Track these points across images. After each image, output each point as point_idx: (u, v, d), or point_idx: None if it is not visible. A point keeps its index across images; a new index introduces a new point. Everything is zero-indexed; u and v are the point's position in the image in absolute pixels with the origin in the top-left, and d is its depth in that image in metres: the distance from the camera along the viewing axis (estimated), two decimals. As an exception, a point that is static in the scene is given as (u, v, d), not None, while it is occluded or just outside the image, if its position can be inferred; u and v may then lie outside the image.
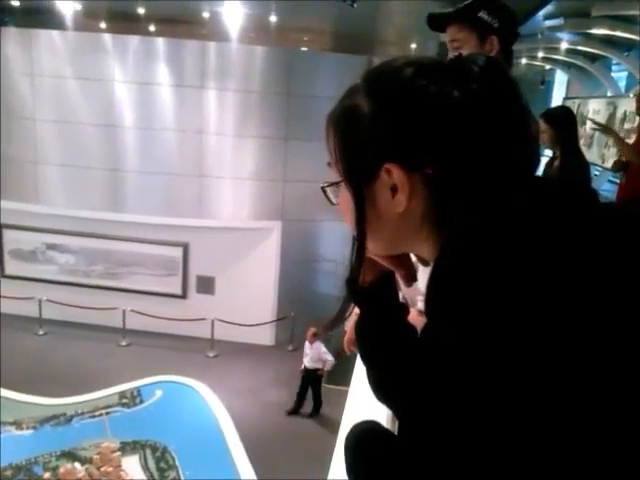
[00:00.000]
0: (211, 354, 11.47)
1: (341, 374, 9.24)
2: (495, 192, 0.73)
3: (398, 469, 0.81)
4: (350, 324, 1.54)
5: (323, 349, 9.17)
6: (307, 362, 9.17)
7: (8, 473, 6.51)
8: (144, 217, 12.24)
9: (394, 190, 0.76)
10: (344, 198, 0.84)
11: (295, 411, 9.07)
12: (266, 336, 12.19)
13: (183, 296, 12.60)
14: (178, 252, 12.43)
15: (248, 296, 12.11)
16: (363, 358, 1.03)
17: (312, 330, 9.13)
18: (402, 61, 0.79)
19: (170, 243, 12.42)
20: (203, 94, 11.72)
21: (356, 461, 0.97)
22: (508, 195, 0.73)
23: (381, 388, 0.99)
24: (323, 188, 0.90)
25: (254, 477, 6.49)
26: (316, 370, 9.16)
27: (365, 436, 0.99)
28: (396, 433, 0.81)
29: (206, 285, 12.50)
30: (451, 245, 0.72)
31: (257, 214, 12.11)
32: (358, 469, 0.96)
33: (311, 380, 9.20)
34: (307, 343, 9.26)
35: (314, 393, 9.23)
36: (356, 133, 0.79)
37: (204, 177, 12.10)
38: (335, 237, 11.93)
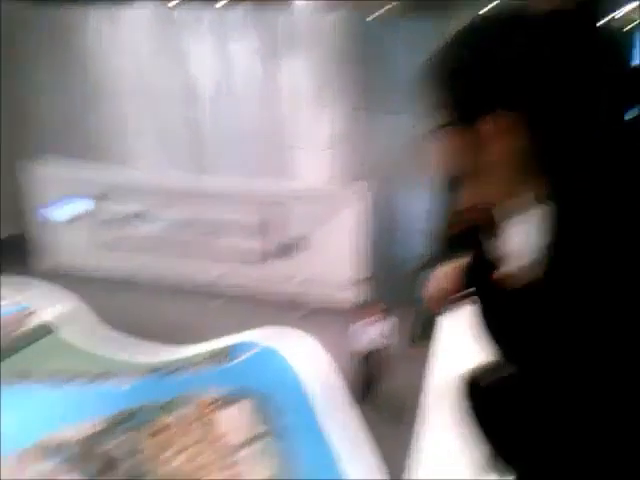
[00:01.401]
0: (299, 314, 11.76)
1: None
2: (595, 138, 0.74)
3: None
4: (438, 281, 1.57)
5: (389, 327, 8.59)
6: (369, 341, 8.51)
7: (117, 420, 7.04)
8: (230, 182, 12.62)
9: (499, 135, 0.78)
10: (447, 144, 0.86)
11: (364, 396, 8.35)
12: (352, 297, 12.34)
13: (270, 258, 12.93)
14: (263, 215, 12.72)
15: (334, 257, 12.27)
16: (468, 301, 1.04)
17: (377, 306, 8.75)
18: (502, 14, 0.80)
19: (256, 207, 12.72)
20: (282, 59, 11.79)
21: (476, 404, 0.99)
22: (608, 141, 0.74)
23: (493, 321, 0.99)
24: (424, 135, 0.92)
25: (347, 425, 6.71)
26: (378, 351, 8.53)
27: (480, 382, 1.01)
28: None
29: (291, 247, 12.75)
30: (572, 190, 0.72)
31: (342, 177, 12.15)
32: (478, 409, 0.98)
33: (372, 361, 8.54)
34: (369, 320, 8.57)
35: (374, 375, 8.55)
36: (463, 79, 0.81)
37: (288, 142, 12.25)
38: (418, 203, 11.83)
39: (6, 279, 11.44)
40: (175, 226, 13.34)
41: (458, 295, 1.34)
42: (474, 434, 0.98)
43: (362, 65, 11.32)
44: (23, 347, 9.04)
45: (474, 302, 1.07)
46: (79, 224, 13.95)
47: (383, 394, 8.60)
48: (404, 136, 11.07)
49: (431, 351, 2.64)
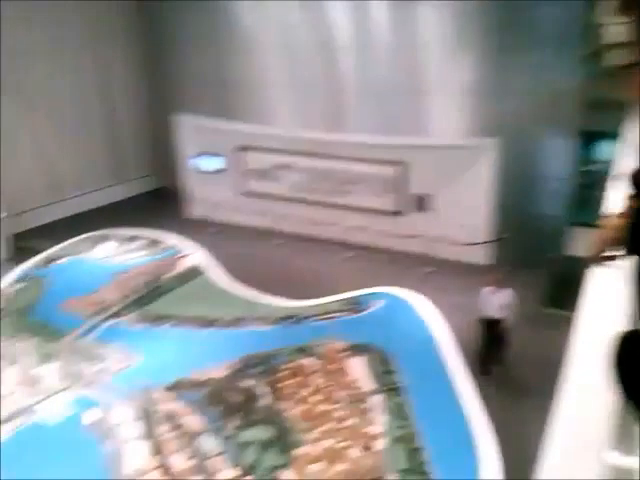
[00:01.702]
0: (426, 270, 11.77)
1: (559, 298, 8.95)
2: None
3: None
4: (606, 232, 1.57)
5: (512, 296, 8.25)
6: (491, 310, 8.26)
7: (255, 360, 7.60)
8: (363, 136, 12.69)
9: None
10: None
11: (488, 371, 8.15)
12: (480, 255, 12.11)
13: (400, 213, 12.96)
14: (395, 170, 12.71)
15: (463, 214, 12.07)
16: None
17: (499, 274, 8.44)
18: None
19: (388, 161, 12.74)
20: (416, 7, 11.50)
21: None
22: None
23: None
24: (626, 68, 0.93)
25: (470, 389, 6.72)
26: (500, 321, 8.26)
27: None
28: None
29: (422, 203, 12.68)
30: None
31: (474, 131, 11.80)
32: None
33: (496, 333, 8.31)
34: (490, 288, 8.29)
35: (498, 348, 8.35)
36: None
37: (420, 93, 12.05)
38: (557, 154, 11.23)
39: (159, 226, 12.46)
40: (313, 178, 13.71)
41: (619, 248, 1.34)
42: (625, 390, 1.03)
43: (500, 11, 10.80)
44: (176, 287, 9.92)
45: (632, 258, 1.10)
46: (224, 175, 14.77)
47: (505, 363, 8.50)
48: (542, 88, 10.51)
49: (577, 311, 2.59)
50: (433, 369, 7.21)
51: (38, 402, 6.89)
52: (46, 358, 7.79)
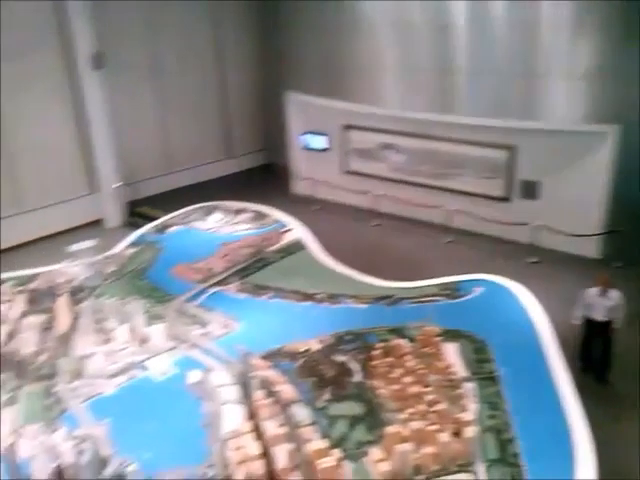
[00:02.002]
0: (530, 260, 11.40)
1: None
2: None
3: None
4: None
5: (620, 297, 7.94)
6: (596, 313, 8.08)
7: (348, 337, 7.73)
8: (471, 119, 12.37)
9: None
10: None
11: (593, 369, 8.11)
12: (590, 248, 11.55)
13: (506, 199, 12.58)
14: (504, 154, 12.33)
15: (574, 204, 11.53)
16: None
17: (607, 274, 8.11)
18: None
19: (496, 145, 12.37)
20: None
21: None
22: None
23: None
24: None
25: (569, 385, 6.49)
26: (605, 324, 8.01)
27: None
28: None
29: (530, 190, 12.23)
30: None
31: (591, 117, 11.18)
32: None
33: (600, 336, 8.11)
34: (597, 289, 8.03)
35: (604, 353, 8.16)
36: None
37: (535, 76, 11.55)
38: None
39: (265, 201, 12.85)
40: (417, 160, 13.58)
41: None
42: None
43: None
44: (278, 260, 10.24)
45: None
46: (329, 153, 14.95)
47: (608, 367, 8.20)
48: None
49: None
50: (531, 361, 7.01)
51: (146, 359, 7.40)
52: (154, 319, 8.33)
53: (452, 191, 13.14)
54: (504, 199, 12.57)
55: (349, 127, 14.38)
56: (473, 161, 12.79)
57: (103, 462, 5.46)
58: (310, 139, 15.20)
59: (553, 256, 11.52)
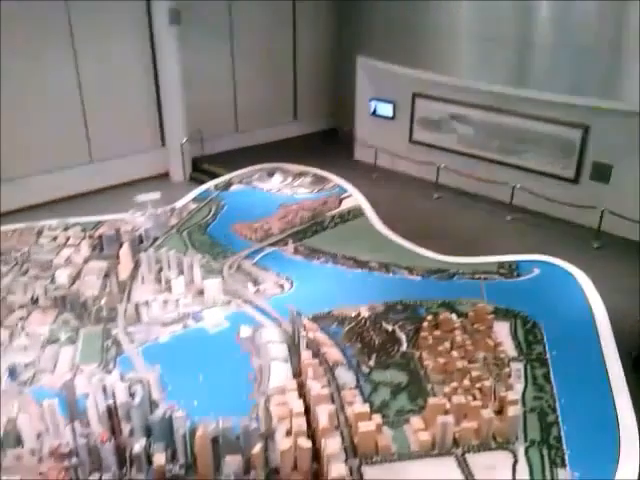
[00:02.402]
0: (595, 245, 11.02)
1: None
2: None
3: None
4: None
5: None
6: None
7: (398, 307, 7.75)
8: (547, 94, 11.90)
9: None
10: None
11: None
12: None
13: (575, 181, 12.12)
14: (577, 134, 11.84)
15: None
16: None
17: None
18: None
19: (570, 124, 11.88)
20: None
21: None
22: None
23: None
24: None
25: (620, 376, 6.33)
26: None
27: None
28: None
29: (601, 173, 11.72)
30: None
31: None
32: None
33: None
34: None
35: None
36: None
37: (619, 52, 10.95)
38: None
39: (327, 165, 12.87)
40: (486, 134, 13.23)
41: None
42: None
43: None
44: (335, 225, 10.29)
45: None
46: (395, 121, 14.74)
47: None
48: None
49: None
50: (583, 347, 6.88)
51: (201, 311, 7.65)
52: (211, 273, 8.56)
53: (519, 168, 12.74)
54: (572, 180, 12.11)
55: (418, 96, 14.09)
56: (544, 139, 12.32)
57: (153, 405, 5.73)
58: (377, 106, 15.01)
59: (619, 243, 11.07)
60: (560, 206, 11.81)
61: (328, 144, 16.43)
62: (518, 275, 8.59)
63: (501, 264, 8.83)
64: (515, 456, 5.32)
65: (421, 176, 14.05)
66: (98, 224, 10.18)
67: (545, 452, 5.37)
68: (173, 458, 5.12)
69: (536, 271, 8.63)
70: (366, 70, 14.96)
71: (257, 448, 5.04)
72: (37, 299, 7.88)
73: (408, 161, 14.29)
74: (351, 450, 5.38)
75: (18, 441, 5.34)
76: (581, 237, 11.21)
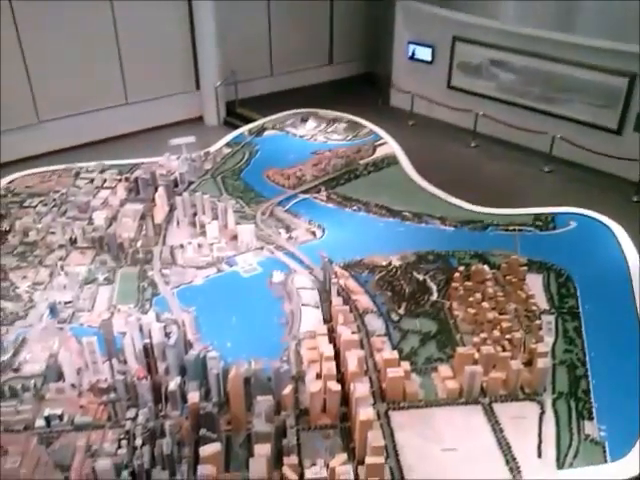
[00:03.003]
0: (635, 198, 10.76)
1: None
2: None
3: None
4: None
5: None
6: None
7: (430, 257, 7.73)
8: (594, 40, 11.41)
9: None
10: None
11: None
12: None
13: (618, 132, 11.74)
14: (623, 83, 11.39)
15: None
16: None
17: None
18: None
19: (615, 71, 11.42)
20: None
21: None
22: None
23: None
24: None
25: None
26: None
27: None
28: None
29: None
30: None
31: None
32: None
33: None
34: None
35: None
36: None
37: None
38: None
39: (361, 111, 12.66)
40: (527, 80, 12.81)
41: None
42: None
43: None
44: (369, 173, 10.20)
45: None
46: (432, 66, 14.36)
47: None
48: None
49: None
50: (616, 303, 6.79)
51: (234, 256, 7.75)
52: (244, 219, 8.63)
53: (560, 117, 12.38)
54: (615, 131, 11.73)
55: (458, 39, 13.64)
56: (588, 87, 11.89)
57: (188, 345, 5.90)
58: (416, 49, 14.60)
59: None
60: (600, 158, 11.50)
61: (363, 89, 16.13)
62: (554, 228, 8.45)
63: (537, 216, 8.68)
64: (542, 407, 5.37)
65: (458, 124, 13.77)
66: (134, 167, 10.27)
67: (573, 404, 5.40)
68: (207, 396, 5.30)
69: (572, 224, 8.47)
70: (405, 12, 14.51)
71: (288, 390, 5.18)
72: (75, 240, 8.08)
73: (446, 108, 13.98)
74: (379, 395, 5.50)
75: (59, 376, 5.59)
76: (621, 190, 10.96)
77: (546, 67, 12.39)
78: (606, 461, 4.84)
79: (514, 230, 8.40)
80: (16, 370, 5.77)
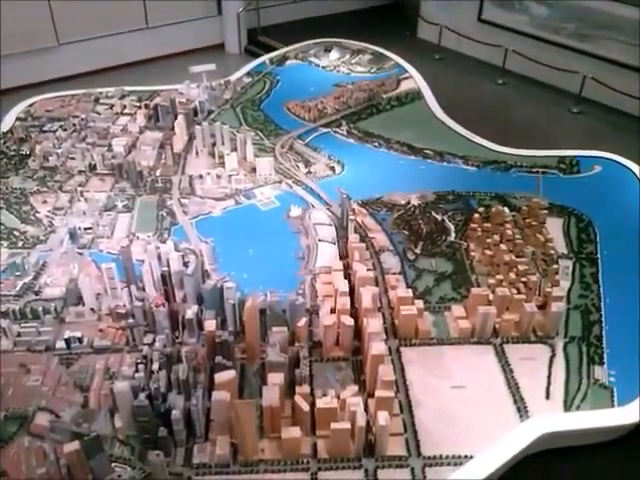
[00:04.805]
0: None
1: None
2: None
3: None
4: None
5: None
6: None
7: (450, 197, 7.65)
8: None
9: None
10: None
11: None
12: None
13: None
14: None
15: None
16: None
17: None
18: None
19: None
20: None
21: None
22: None
23: None
24: None
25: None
26: None
27: None
28: None
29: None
30: None
31: None
32: None
33: None
34: None
35: None
36: None
37: None
38: None
39: (387, 43, 12.28)
40: (561, 16, 12.25)
41: None
42: None
43: None
44: (392, 108, 9.98)
45: None
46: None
47: None
48: None
49: None
50: (637, 250, 6.70)
51: (252, 188, 7.73)
52: (263, 151, 8.55)
53: (593, 56, 11.88)
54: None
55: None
56: (623, 23, 11.34)
57: (205, 275, 5.98)
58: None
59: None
60: (631, 101, 11.10)
61: (390, 20, 15.56)
62: (578, 171, 8.29)
63: (561, 159, 8.50)
64: (553, 350, 5.41)
65: (487, 60, 13.31)
66: (153, 94, 10.14)
67: (584, 349, 5.43)
68: (223, 326, 5.40)
69: (597, 168, 8.29)
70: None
71: (302, 322, 5.26)
72: (95, 166, 8.09)
73: (475, 42, 13.48)
74: (391, 332, 5.57)
75: (79, 300, 5.72)
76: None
77: (583, 2, 11.81)
78: (613, 405, 4.91)
79: (537, 172, 8.25)
80: (37, 293, 5.91)
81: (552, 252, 6.61)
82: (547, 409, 4.85)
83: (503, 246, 6.52)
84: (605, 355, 5.37)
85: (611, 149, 8.63)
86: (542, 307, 5.73)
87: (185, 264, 5.88)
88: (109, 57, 13.03)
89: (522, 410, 4.83)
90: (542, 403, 4.92)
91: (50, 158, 8.22)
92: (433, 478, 4.30)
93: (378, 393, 4.56)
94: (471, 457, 4.42)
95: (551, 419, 4.74)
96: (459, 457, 4.43)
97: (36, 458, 4.23)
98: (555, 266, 6.39)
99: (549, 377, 5.15)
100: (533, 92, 12.26)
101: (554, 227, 7.07)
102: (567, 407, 4.88)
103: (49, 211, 7.21)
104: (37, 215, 7.12)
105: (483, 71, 13.02)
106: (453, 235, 6.96)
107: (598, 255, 6.66)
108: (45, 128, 9.04)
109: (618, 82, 11.24)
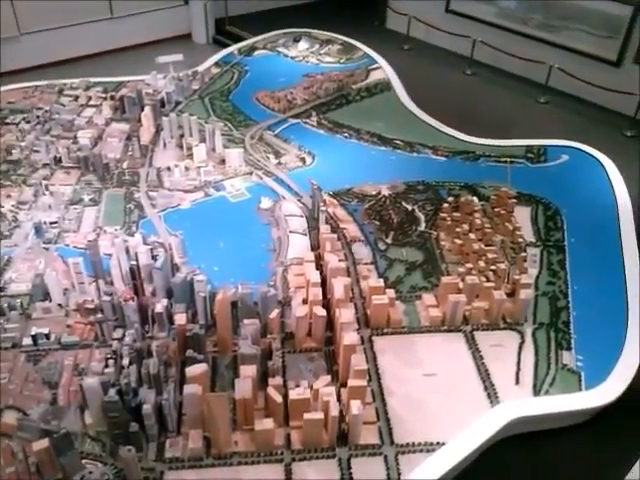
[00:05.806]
0: (629, 133, 10.66)
1: None
2: None
3: None
4: None
5: None
6: None
7: (420, 187, 7.69)
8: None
9: None
10: None
11: None
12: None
13: (617, 64, 11.47)
14: (627, 11, 11.04)
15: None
16: None
17: None
18: None
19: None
20: None
21: None
22: None
23: None
24: None
25: (637, 272, 6.32)
26: None
27: None
28: None
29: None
30: None
31: None
32: None
33: None
34: None
35: None
36: None
37: None
38: None
39: (356, 33, 12.27)
40: (528, 6, 12.37)
41: None
42: None
43: None
44: (362, 99, 9.97)
45: None
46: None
47: None
48: None
49: None
50: (602, 238, 6.85)
51: (222, 180, 7.66)
52: (232, 142, 8.48)
53: (559, 47, 12.04)
54: (614, 63, 11.46)
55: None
56: (589, 15, 11.51)
57: (175, 269, 5.91)
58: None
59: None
60: (596, 91, 11.29)
61: (358, 10, 15.53)
62: (545, 160, 8.40)
63: (529, 148, 8.61)
64: (522, 337, 5.50)
65: (455, 50, 13.40)
66: (119, 85, 9.97)
67: (552, 335, 5.53)
68: (193, 319, 5.35)
69: (564, 157, 8.42)
70: None
71: (274, 313, 5.24)
72: (60, 159, 7.92)
73: (443, 33, 13.55)
74: (363, 321, 5.59)
75: (46, 295, 5.60)
76: (615, 124, 10.84)
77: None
78: (581, 389, 5.01)
79: (505, 162, 8.34)
80: (2, 289, 5.77)
81: (520, 240, 6.70)
82: (517, 394, 4.93)
83: (472, 235, 6.59)
84: (573, 340, 5.47)
85: (577, 138, 8.77)
86: (511, 294, 5.81)
87: (154, 257, 5.80)
88: (73, 48, 12.75)
89: (492, 396, 4.89)
90: (512, 388, 4.99)
91: (13, 151, 8.03)
92: (406, 465, 4.34)
93: (351, 382, 4.57)
94: (443, 443, 4.47)
95: (521, 404, 4.82)
96: (431, 444, 4.47)
97: (4, 457, 4.13)
98: (523, 254, 6.49)
99: (518, 363, 5.22)
100: (501, 82, 12.38)
101: (522, 216, 7.17)
102: (536, 392, 4.97)
103: (13, 205, 7.04)
104: (1, 210, 6.95)
105: (452, 62, 13.11)
106: (423, 225, 7.00)
107: (565, 243, 6.77)
108: (7, 120, 8.82)
109: (584, 72, 11.42)
